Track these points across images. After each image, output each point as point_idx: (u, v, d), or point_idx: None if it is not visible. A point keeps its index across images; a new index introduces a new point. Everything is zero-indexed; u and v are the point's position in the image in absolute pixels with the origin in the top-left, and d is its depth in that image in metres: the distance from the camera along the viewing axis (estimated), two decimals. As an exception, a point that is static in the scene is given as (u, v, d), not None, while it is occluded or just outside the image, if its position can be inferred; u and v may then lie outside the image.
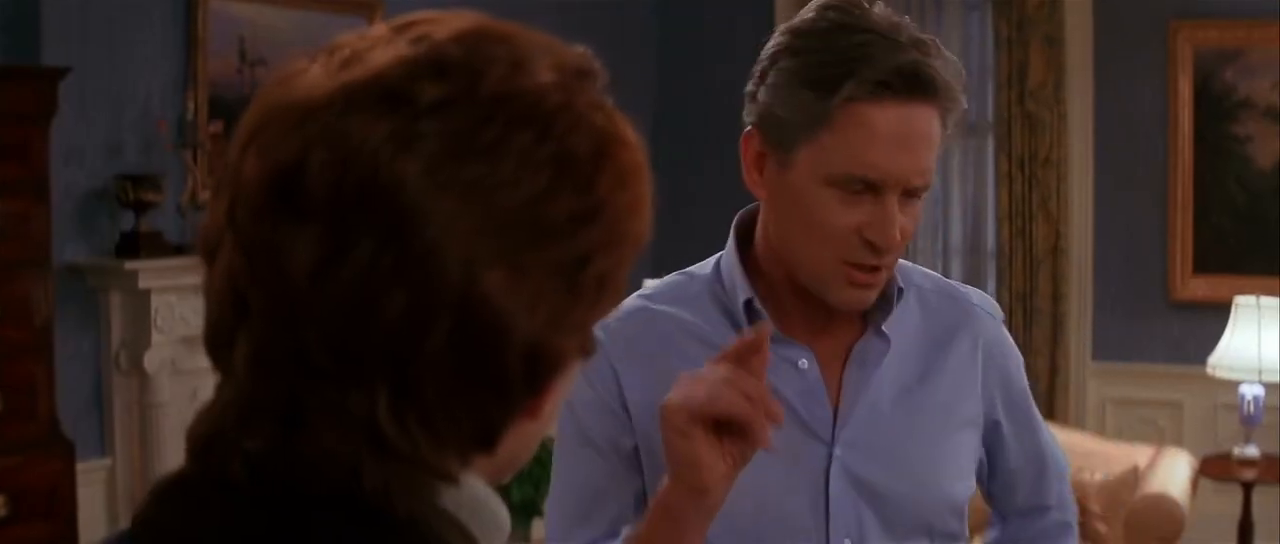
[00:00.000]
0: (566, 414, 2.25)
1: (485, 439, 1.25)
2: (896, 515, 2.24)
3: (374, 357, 1.17)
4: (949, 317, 2.34)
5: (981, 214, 9.57)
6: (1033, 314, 9.14)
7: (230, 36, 7.46)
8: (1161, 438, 8.75)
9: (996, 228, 9.30)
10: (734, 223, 2.27)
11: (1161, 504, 6.40)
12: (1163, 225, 8.91)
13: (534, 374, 1.23)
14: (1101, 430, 9.01)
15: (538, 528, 8.24)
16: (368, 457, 1.19)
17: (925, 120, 2.08)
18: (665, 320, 2.27)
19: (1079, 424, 9.05)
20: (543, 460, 7.69)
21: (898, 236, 2.07)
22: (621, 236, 1.25)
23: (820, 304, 2.19)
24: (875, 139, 2.03)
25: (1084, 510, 6.87)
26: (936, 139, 2.10)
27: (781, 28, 2.14)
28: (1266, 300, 7.41)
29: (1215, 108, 8.71)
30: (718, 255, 2.29)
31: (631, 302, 2.28)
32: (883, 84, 2.02)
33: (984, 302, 2.41)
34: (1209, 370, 7.59)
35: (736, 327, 2.20)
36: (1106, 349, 9.12)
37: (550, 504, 2.34)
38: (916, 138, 2.07)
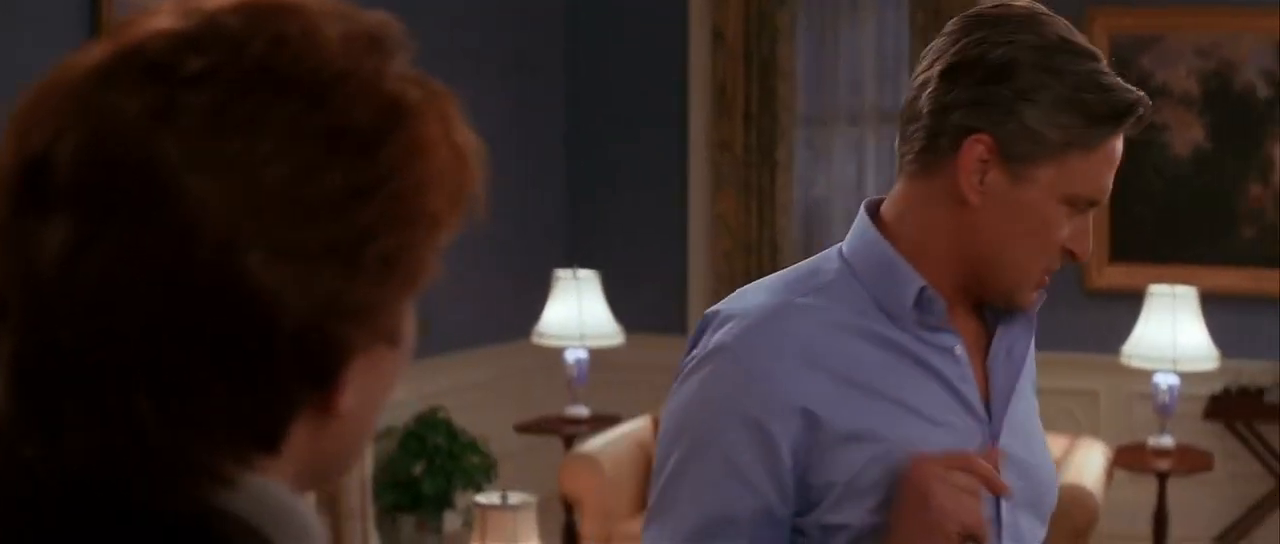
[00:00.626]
0: (709, 432, 2.20)
1: (265, 439, 1.15)
2: (1036, 492, 2.35)
3: (130, 351, 1.09)
4: None
5: None
6: None
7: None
8: (1077, 428, 8.63)
9: None
10: (874, 213, 2.30)
11: (1075, 496, 6.30)
12: None
13: (313, 364, 1.13)
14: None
15: (450, 520, 8.11)
16: (132, 459, 1.11)
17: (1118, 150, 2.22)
18: (816, 314, 2.24)
19: None
20: (454, 454, 7.73)
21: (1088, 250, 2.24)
22: (413, 214, 1.16)
23: (963, 297, 2.28)
24: (1110, 166, 2.20)
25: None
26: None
27: (1007, 29, 2.21)
28: (1181, 289, 7.32)
29: None
30: (834, 248, 2.32)
31: (771, 299, 2.27)
32: (1133, 121, 2.19)
33: None
34: (1123, 360, 7.48)
35: (891, 317, 2.23)
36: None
37: (662, 517, 2.26)
38: (1110, 163, 2.22)
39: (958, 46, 2.17)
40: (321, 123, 1.11)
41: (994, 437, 2.29)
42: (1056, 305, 8.07)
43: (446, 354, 8.60)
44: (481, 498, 5.40)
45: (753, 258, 9.33)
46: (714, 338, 2.20)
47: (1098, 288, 8.84)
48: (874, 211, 2.31)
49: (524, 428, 7.69)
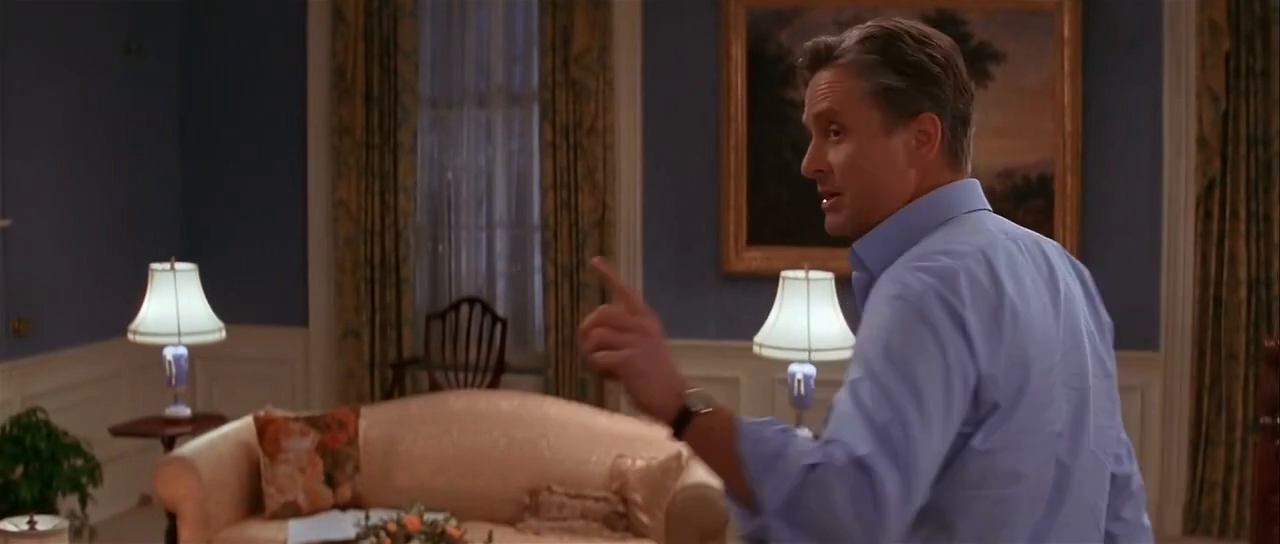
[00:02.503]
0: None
1: None
2: None
3: None
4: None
5: (527, 185, 9.20)
6: (580, 289, 8.83)
7: None
8: None
9: (541, 199, 8.93)
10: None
11: (703, 496, 6.00)
12: (715, 195, 8.70)
13: None
14: None
15: (45, 523, 7.50)
16: None
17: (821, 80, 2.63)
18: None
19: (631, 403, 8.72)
20: (56, 457, 7.18)
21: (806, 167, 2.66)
22: None
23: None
24: (808, 105, 2.69)
25: (625, 500, 6.48)
26: (834, 90, 2.60)
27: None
28: (816, 274, 6.91)
29: (769, 72, 8.52)
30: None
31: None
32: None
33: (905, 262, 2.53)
34: (755, 349, 7.07)
35: None
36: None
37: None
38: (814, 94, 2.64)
39: None
40: None
41: None
42: (694, 291, 8.02)
43: (49, 352, 8.09)
44: (8, 524, 4.89)
45: (375, 244, 9.02)
46: None
47: (735, 271, 8.70)
48: None
49: (120, 431, 7.17)
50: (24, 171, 7.98)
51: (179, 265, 7.19)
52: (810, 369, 6.76)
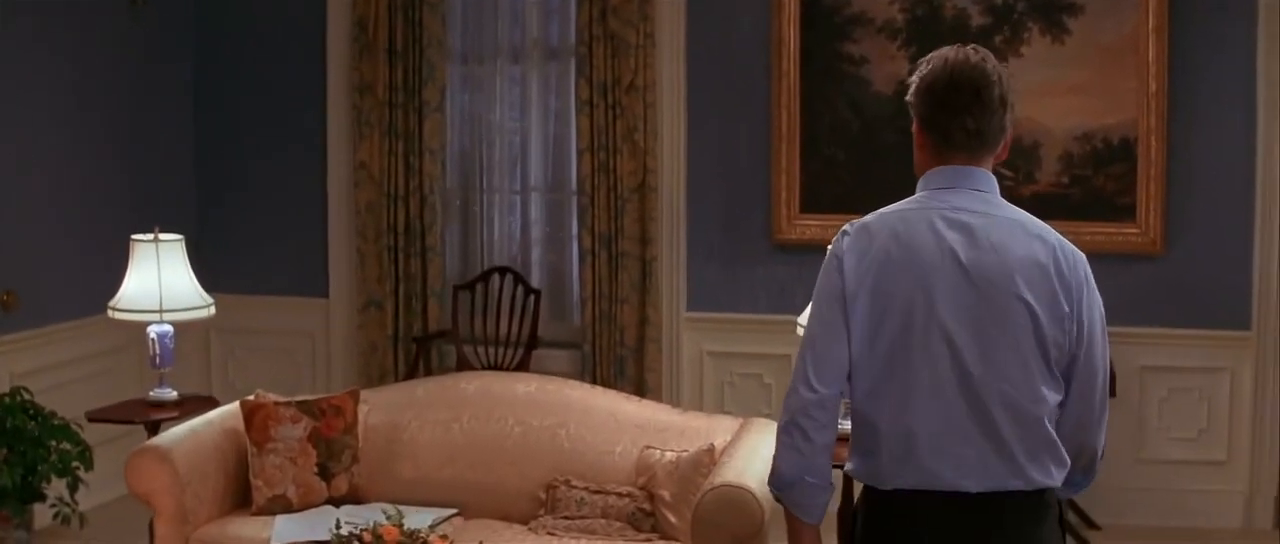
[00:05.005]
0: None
1: None
2: None
3: None
4: None
5: (564, 147, 8.58)
6: (619, 258, 8.21)
7: None
8: (769, 396, 8.03)
9: (578, 162, 8.29)
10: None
11: (735, 498, 5.29)
12: (766, 158, 8.06)
13: None
14: (699, 390, 8.24)
15: (41, 515, 7.23)
16: None
17: None
18: None
19: (673, 382, 8.26)
20: (41, 440, 6.59)
21: None
22: None
23: None
24: None
25: (652, 497, 5.82)
26: None
27: None
28: None
29: (825, 22, 7.90)
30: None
31: None
32: None
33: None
34: (799, 330, 6.39)
35: None
36: (703, 298, 8.26)
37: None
38: None
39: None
40: None
41: None
42: (742, 262, 7.50)
43: (41, 328, 7.55)
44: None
45: (398, 210, 8.46)
46: None
47: (787, 241, 8.08)
48: None
49: (96, 417, 6.57)
50: (19, 135, 7.47)
51: (163, 236, 6.57)
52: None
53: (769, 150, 8.03)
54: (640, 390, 8.05)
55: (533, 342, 8.36)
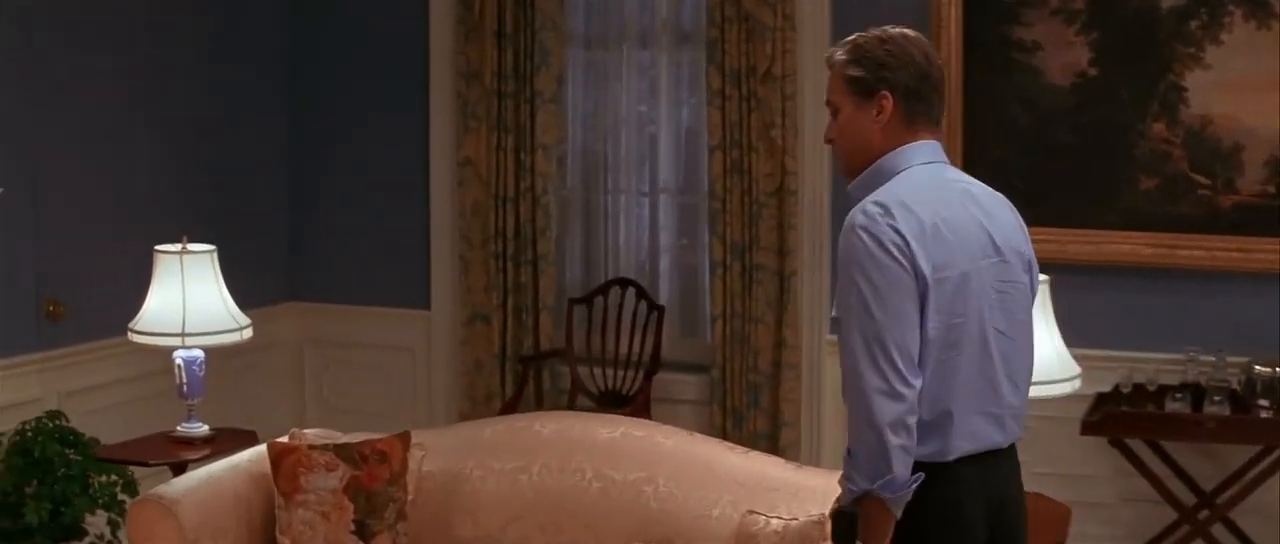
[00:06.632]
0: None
1: None
2: None
3: None
4: None
5: (698, 143, 7.78)
6: (754, 272, 7.39)
7: None
8: None
9: (708, 161, 7.51)
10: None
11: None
12: None
13: None
14: (844, 424, 7.16)
15: None
16: None
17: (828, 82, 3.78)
18: None
19: (814, 415, 7.46)
20: (73, 477, 5.91)
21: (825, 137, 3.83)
22: None
23: None
24: None
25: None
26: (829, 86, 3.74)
27: None
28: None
29: (993, 5, 7.21)
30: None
31: None
32: None
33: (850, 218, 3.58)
34: None
35: None
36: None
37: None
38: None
39: None
40: None
41: None
42: None
43: (90, 342, 6.88)
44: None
45: (508, 213, 7.75)
46: None
47: None
48: None
49: (111, 455, 5.79)
50: (77, 121, 6.82)
51: (192, 246, 5.79)
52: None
53: (926, 151, 7.11)
54: (775, 424, 7.33)
55: (655, 364, 7.59)
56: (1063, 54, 7.07)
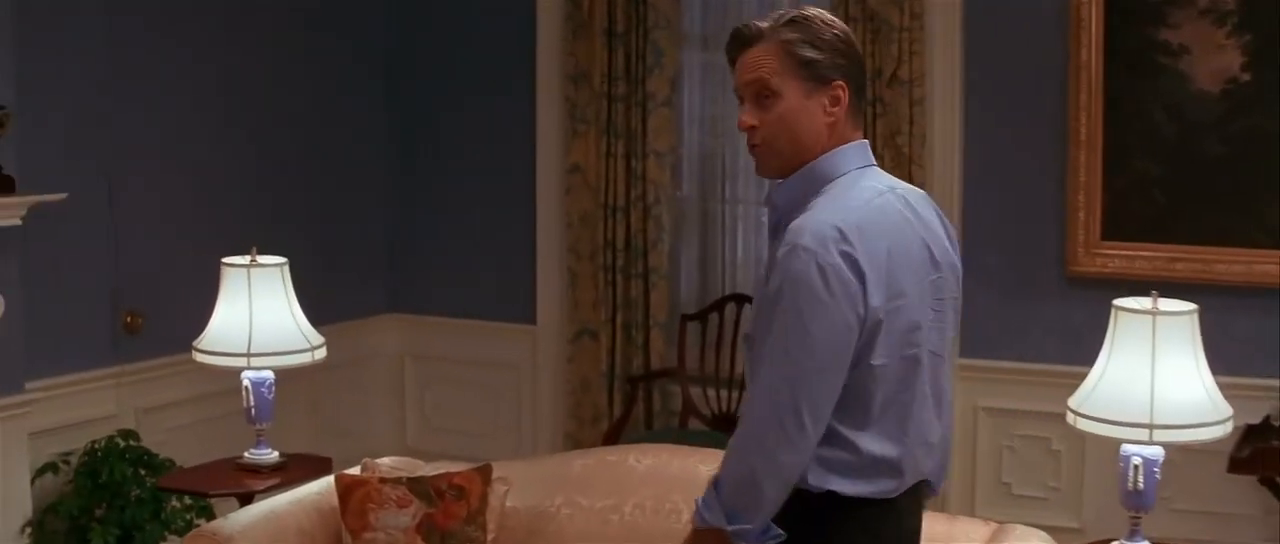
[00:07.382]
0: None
1: None
2: None
3: None
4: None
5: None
6: None
7: None
8: (1058, 466, 6.90)
9: None
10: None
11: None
12: (1061, 172, 6.99)
13: None
14: (970, 454, 7.12)
15: None
16: None
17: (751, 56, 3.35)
18: None
19: None
20: (147, 501, 5.74)
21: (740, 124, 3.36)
22: None
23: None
24: (738, 77, 3.37)
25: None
26: (763, 63, 3.28)
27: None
28: (1170, 307, 4.85)
29: (1138, 5, 6.87)
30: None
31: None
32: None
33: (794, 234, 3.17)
34: (1068, 419, 5.05)
35: None
36: (977, 342, 6.99)
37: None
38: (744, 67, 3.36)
39: None
40: None
41: None
42: (1028, 298, 6.85)
43: (170, 356, 6.56)
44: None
45: (618, 223, 7.51)
46: None
47: (1084, 273, 6.87)
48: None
49: (171, 485, 5.50)
50: (162, 120, 6.61)
51: (262, 259, 5.48)
52: (1153, 451, 4.75)
53: (1064, 161, 6.91)
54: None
55: (770, 385, 7.15)
56: (1212, 58, 6.73)
